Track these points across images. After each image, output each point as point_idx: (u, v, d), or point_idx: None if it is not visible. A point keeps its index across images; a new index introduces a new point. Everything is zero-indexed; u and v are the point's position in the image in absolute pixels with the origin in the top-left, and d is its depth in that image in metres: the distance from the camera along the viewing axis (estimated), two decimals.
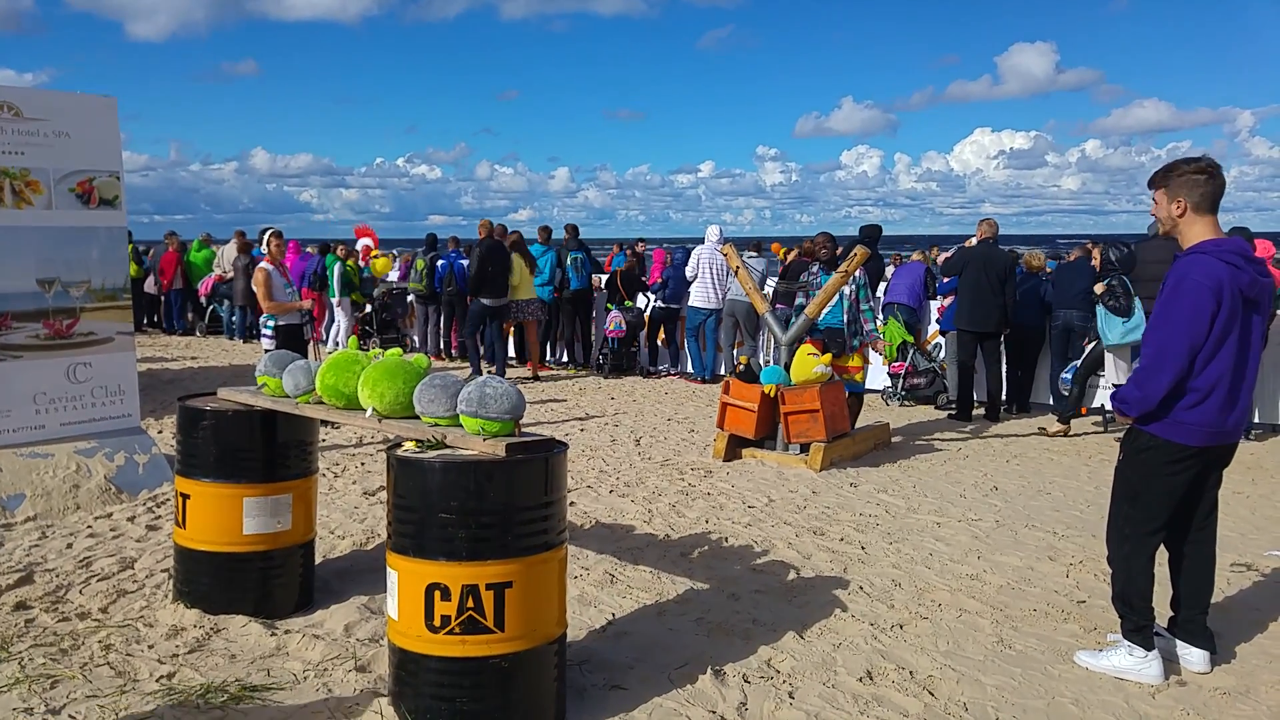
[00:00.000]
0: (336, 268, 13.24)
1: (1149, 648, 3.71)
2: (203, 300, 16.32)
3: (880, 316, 10.68)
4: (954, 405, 9.61)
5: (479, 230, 11.33)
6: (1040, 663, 3.87)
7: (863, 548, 5.31)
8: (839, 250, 8.33)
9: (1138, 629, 3.72)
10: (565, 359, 12.93)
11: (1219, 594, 4.60)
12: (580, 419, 9.22)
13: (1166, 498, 3.68)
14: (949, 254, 10.46)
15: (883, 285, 11.11)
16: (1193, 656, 3.82)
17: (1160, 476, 3.65)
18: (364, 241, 16.15)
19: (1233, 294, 3.48)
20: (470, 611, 3.04)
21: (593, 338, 12.86)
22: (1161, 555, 3.81)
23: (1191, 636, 3.83)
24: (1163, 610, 3.91)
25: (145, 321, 16.93)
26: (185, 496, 4.15)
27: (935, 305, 10.81)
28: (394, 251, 17.43)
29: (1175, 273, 3.57)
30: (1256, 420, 8.97)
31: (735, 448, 7.50)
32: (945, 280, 10.07)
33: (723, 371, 11.55)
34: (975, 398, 9.65)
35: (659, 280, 12.31)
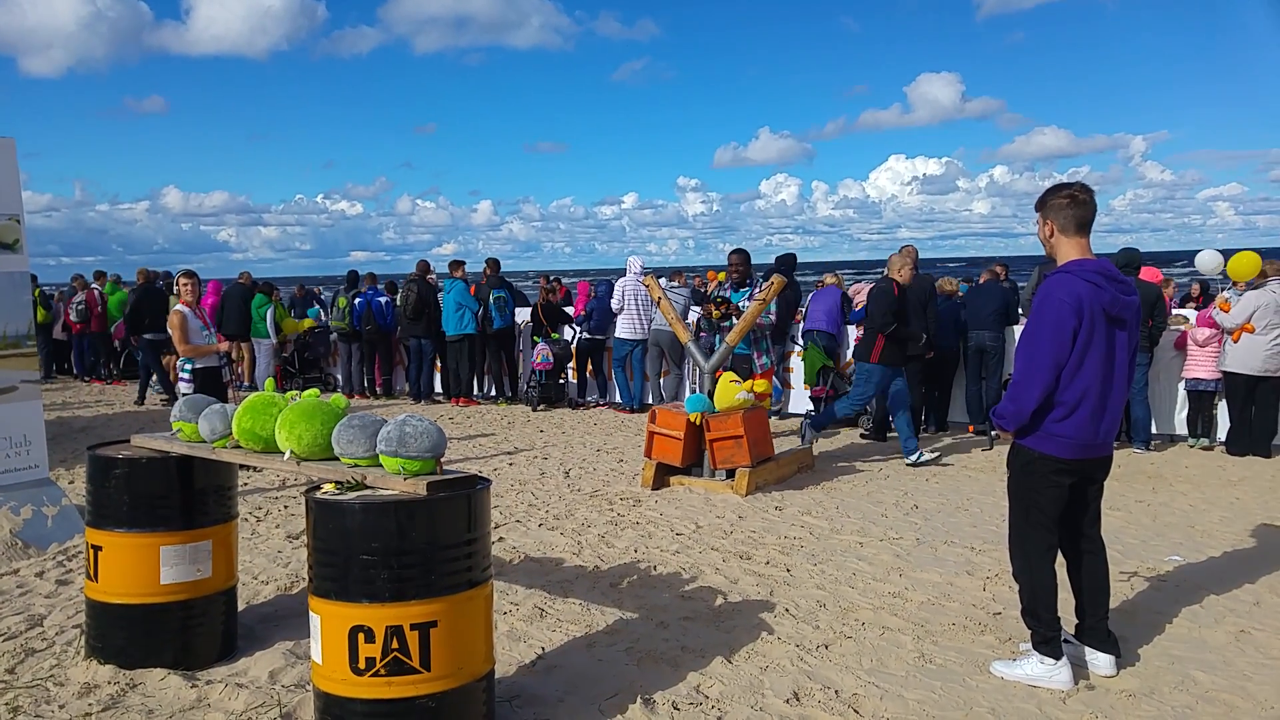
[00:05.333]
0: (269, 311, 13.08)
1: (1058, 656, 3.86)
2: (116, 344, 15.77)
3: (799, 342, 10.89)
4: (874, 427, 9.84)
5: (137, 276, 13.38)
6: (959, 675, 3.99)
7: (788, 570, 5.41)
8: (756, 275, 8.58)
9: (1045, 640, 3.87)
10: (494, 393, 12.88)
11: (1123, 599, 4.82)
12: (509, 453, 9.19)
13: (1052, 507, 3.85)
14: (865, 290, 10.70)
15: (801, 311, 11.33)
16: (1099, 661, 3.98)
17: (1043, 488, 3.84)
18: None
19: (1092, 311, 3.65)
20: (395, 653, 3.02)
21: (520, 371, 12.86)
22: (1060, 566, 3.98)
23: (1096, 641, 3.99)
24: (1069, 617, 4.07)
25: (54, 368, 16.35)
26: (97, 548, 4.01)
27: (853, 330, 11.06)
28: (318, 306, 15.63)
29: (1040, 292, 3.78)
30: (1155, 431, 9.38)
31: (663, 476, 7.56)
32: (859, 309, 10.34)
33: (650, 400, 11.63)
34: None
35: (583, 313, 12.38)
